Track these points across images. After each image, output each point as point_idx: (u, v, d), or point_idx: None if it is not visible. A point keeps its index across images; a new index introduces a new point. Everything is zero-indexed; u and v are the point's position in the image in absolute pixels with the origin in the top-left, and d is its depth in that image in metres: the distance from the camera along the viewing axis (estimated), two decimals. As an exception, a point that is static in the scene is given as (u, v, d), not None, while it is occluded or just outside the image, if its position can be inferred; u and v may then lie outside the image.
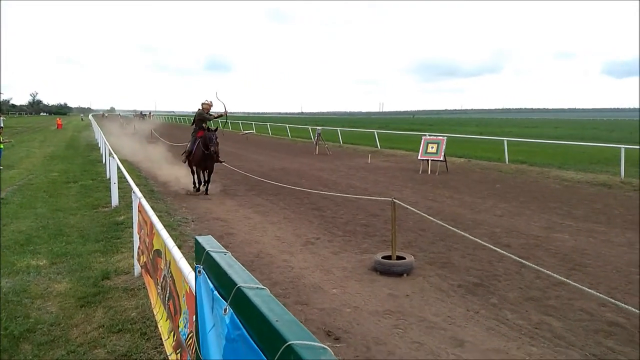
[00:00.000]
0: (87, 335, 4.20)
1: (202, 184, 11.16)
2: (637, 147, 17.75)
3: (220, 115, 11.48)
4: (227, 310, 1.03)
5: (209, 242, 1.29)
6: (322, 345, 0.71)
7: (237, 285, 0.97)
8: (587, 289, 3.69)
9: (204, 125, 11.08)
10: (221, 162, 11.28)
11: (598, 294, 3.63)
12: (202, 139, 10.71)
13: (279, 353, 0.73)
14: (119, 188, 9.82)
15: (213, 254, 1.18)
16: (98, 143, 24.79)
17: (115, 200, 9.71)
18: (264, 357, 0.83)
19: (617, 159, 14.84)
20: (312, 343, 0.71)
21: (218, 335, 1.13)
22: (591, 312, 4.77)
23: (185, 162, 11.47)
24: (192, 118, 11.99)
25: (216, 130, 10.86)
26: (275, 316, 0.82)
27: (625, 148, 14.27)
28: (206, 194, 10.93)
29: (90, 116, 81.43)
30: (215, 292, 1.14)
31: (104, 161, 16.60)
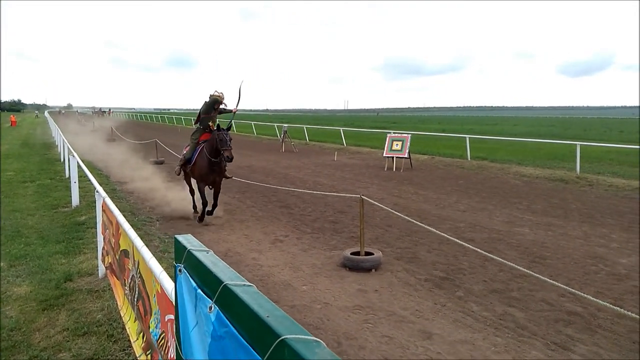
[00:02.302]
0: (51, 339, 4.07)
1: (206, 204, 8.13)
2: (592, 143, 18.54)
3: (229, 111, 8.54)
4: (213, 308, 1.03)
5: (189, 241, 1.28)
6: (316, 338, 0.73)
7: (223, 282, 0.97)
8: (549, 280, 3.84)
9: (210, 124, 8.15)
10: (229, 177, 8.45)
11: (560, 285, 3.79)
12: (209, 143, 7.76)
13: (271, 348, 0.74)
14: (79, 187, 9.54)
15: (195, 253, 1.17)
16: (55, 141, 23.95)
17: (75, 199, 9.42)
18: (254, 352, 0.84)
19: (572, 155, 15.45)
20: (306, 337, 0.73)
21: (202, 333, 1.13)
22: (551, 302, 4.96)
23: (179, 174, 8.66)
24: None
25: (229, 129, 7.75)
26: (265, 312, 0.83)
27: (580, 145, 14.86)
28: (210, 213, 8.15)
29: (46, 113, 78.48)
30: (199, 291, 1.14)
31: (62, 159, 16.06)
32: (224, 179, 8.27)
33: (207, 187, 8.08)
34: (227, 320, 0.97)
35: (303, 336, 0.72)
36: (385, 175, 14.65)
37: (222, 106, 8.23)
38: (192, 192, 8.78)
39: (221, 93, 8.15)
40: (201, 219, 8.08)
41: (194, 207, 8.75)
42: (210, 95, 8.15)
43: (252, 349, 0.85)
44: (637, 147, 15.19)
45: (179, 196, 9.56)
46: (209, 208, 8.11)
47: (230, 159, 7.42)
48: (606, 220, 8.65)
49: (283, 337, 0.73)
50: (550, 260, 6.37)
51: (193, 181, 8.57)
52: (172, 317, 2.24)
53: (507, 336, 4.25)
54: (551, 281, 3.87)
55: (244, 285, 0.95)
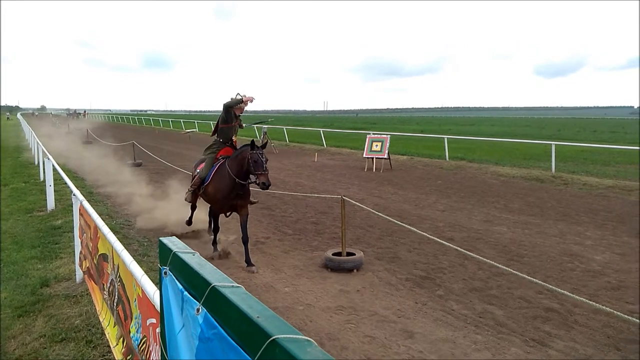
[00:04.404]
0: (27, 347, 3.97)
1: (218, 231, 6.78)
2: (567, 143, 18.95)
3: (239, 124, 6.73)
4: (200, 310, 1.02)
5: (174, 243, 1.27)
6: (307, 338, 0.73)
7: (211, 284, 0.97)
8: (528, 277, 3.92)
9: (234, 138, 6.64)
10: (254, 202, 6.85)
11: (539, 282, 3.86)
12: (237, 162, 6.08)
13: (262, 348, 0.75)
14: (54, 190, 9.35)
15: (181, 255, 1.17)
16: (29, 144, 23.41)
17: (51, 203, 9.23)
18: (244, 353, 0.84)
19: (548, 155, 15.76)
20: (297, 336, 0.73)
21: (189, 336, 1.12)
22: (529, 299, 5.06)
23: (189, 200, 6.89)
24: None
25: (264, 146, 6.12)
26: (255, 313, 0.83)
27: (555, 144, 15.18)
28: (249, 264, 6.10)
29: (18, 115, 76.67)
30: (186, 293, 1.13)
31: (36, 162, 15.71)
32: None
33: (224, 213, 6.57)
34: (215, 322, 0.96)
35: (294, 336, 0.73)
36: (365, 175, 14.73)
37: (246, 107, 6.52)
38: (193, 207, 7.29)
39: (244, 95, 6.38)
40: (215, 245, 6.68)
41: (189, 221, 7.46)
42: (231, 99, 6.41)
43: (241, 350, 0.85)
44: (608, 146, 15.59)
45: (160, 199, 9.44)
46: (231, 246, 6.64)
47: (267, 186, 5.79)
48: (581, 218, 8.85)
49: (274, 337, 0.73)
50: (527, 258, 6.49)
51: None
52: (154, 321, 2.22)
53: (487, 333, 4.31)
54: (529, 278, 3.94)
55: (232, 286, 0.95)
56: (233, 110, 6.41)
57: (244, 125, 6.99)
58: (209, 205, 6.79)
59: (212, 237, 6.77)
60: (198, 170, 6.67)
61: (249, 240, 6.29)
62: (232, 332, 0.89)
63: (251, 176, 6.04)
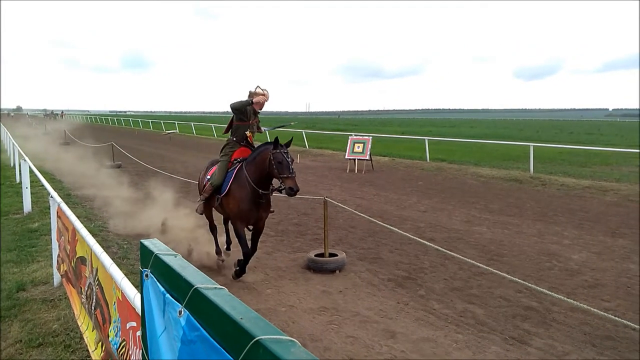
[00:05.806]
0: (2, 353, 3.88)
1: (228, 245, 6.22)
2: (545, 145, 19.29)
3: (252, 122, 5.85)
4: (183, 312, 1.02)
5: (156, 245, 1.26)
6: (290, 338, 0.73)
7: (194, 286, 0.96)
8: (508, 275, 3.98)
9: (248, 133, 5.75)
10: (271, 211, 5.82)
11: (518, 280, 3.92)
12: (256, 167, 5.28)
13: (246, 349, 0.74)
14: (31, 193, 9.15)
15: (163, 257, 1.16)
16: (4, 145, 22.90)
17: (27, 206, 9.03)
18: (227, 355, 0.84)
19: (526, 156, 16.03)
20: (280, 337, 0.73)
21: (171, 338, 1.11)
22: (509, 298, 5.13)
23: (202, 212, 6.02)
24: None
25: (289, 144, 5.29)
26: (238, 314, 0.83)
27: (533, 146, 15.44)
28: (242, 268, 5.63)
29: (-7, 116, 74.98)
30: (167, 295, 1.12)
31: (12, 164, 15.38)
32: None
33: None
34: (198, 324, 0.96)
35: (278, 336, 0.73)
36: (347, 177, 14.77)
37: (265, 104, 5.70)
38: (213, 228, 6.37)
39: (265, 90, 5.58)
40: (240, 272, 5.65)
41: (217, 250, 6.34)
42: (251, 93, 5.61)
43: (225, 352, 0.84)
44: (585, 147, 15.91)
45: (140, 202, 9.31)
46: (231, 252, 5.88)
47: (295, 192, 5.02)
48: (558, 218, 9.01)
49: (258, 338, 0.73)
50: (507, 257, 6.58)
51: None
52: (134, 324, 2.19)
53: (468, 332, 4.36)
54: (509, 277, 4.01)
55: (215, 288, 0.95)
56: (251, 107, 5.61)
57: (262, 129, 6.22)
58: (227, 218, 6.04)
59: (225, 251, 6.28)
60: (209, 177, 5.81)
61: (255, 251, 5.69)
62: (215, 334, 0.89)
63: (274, 180, 5.32)
